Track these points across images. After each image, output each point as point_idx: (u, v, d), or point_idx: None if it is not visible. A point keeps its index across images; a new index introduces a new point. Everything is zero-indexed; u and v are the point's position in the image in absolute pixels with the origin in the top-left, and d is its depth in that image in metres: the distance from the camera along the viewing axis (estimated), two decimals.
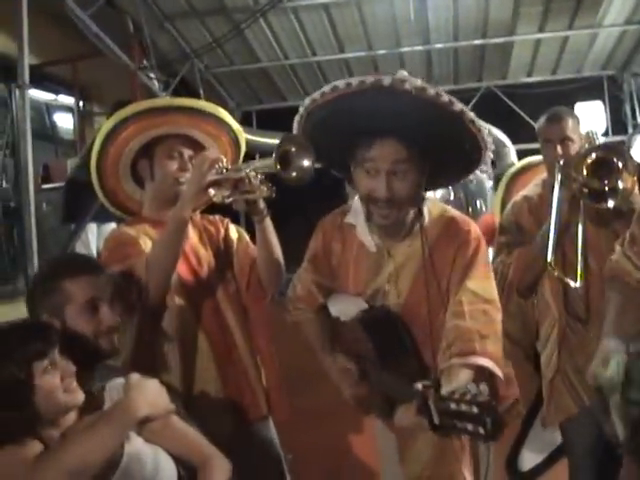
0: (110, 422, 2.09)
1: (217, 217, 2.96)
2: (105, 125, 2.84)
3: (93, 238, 7.41)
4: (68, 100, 10.72)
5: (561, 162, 3.24)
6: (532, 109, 10.16)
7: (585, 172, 3.05)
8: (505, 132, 8.22)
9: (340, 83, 2.37)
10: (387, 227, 2.59)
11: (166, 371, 2.71)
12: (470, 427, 1.83)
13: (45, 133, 10.69)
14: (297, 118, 2.61)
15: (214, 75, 11.00)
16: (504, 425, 1.81)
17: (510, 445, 3.55)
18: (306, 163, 2.50)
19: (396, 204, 2.47)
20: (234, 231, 3.00)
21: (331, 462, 3.04)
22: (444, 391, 2.05)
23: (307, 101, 2.52)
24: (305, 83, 11.73)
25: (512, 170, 4.23)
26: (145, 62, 9.58)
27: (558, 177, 3.18)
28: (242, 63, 10.77)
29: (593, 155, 3.07)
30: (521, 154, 4.65)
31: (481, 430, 1.78)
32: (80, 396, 2.13)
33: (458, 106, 2.36)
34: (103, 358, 2.38)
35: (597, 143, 3.25)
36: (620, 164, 3.00)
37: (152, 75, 9.69)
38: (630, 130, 12.01)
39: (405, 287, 2.55)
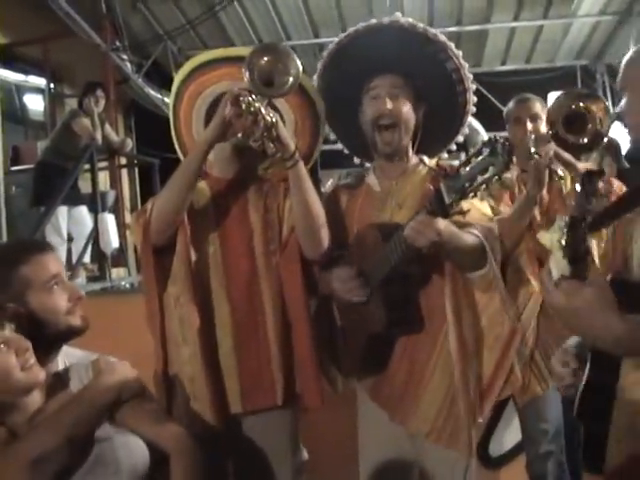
0: (80, 405, 2.06)
1: (282, 183, 2.72)
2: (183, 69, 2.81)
3: (63, 221, 7.35)
4: (39, 81, 10.59)
5: (532, 137, 3.22)
6: (506, 97, 10.08)
7: (562, 130, 3.03)
8: (478, 119, 8.23)
9: (350, 30, 2.79)
10: (391, 168, 2.78)
11: (180, 337, 2.59)
12: (480, 177, 1.99)
13: (15, 114, 10.56)
14: (318, 71, 2.89)
15: (187, 57, 10.85)
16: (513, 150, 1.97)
17: (482, 429, 3.55)
18: (293, 70, 2.41)
19: (396, 120, 2.68)
20: None
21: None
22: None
23: (324, 53, 2.86)
24: None
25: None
26: (117, 43, 9.49)
27: (531, 149, 3.15)
28: (216, 46, 10.67)
29: (562, 109, 3.05)
30: None
31: (492, 168, 1.96)
32: (40, 373, 2.05)
33: (443, 38, 2.70)
34: (76, 334, 2.30)
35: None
36: (591, 110, 2.98)
37: (124, 57, 9.61)
38: None
39: (405, 220, 2.51)
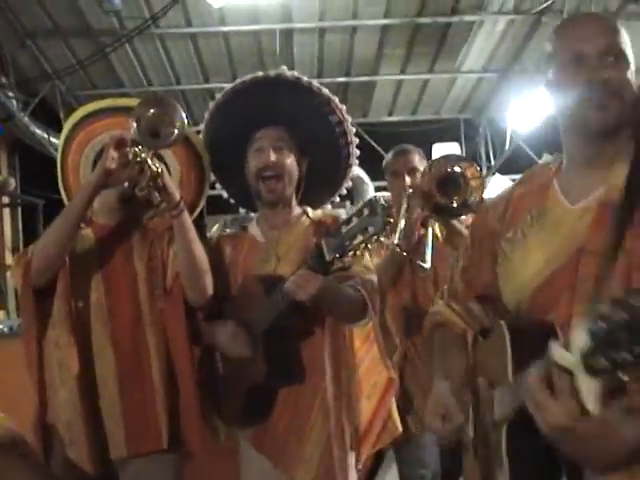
0: None
1: (167, 231, 2.73)
2: (67, 124, 2.79)
3: None
4: None
5: (409, 191, 3.28)
6: (392, 147, 10.37)
7: (433, 190, 3.11)
8: (364, 169, 8.41)
9: (237, 81, 2.85)
10: (274, 217, 2.83)
11: (57, 380, 2.57)
12: (360, 236, 2.08)
13: None
14: (205, 121, 2.94)
15: (76, 97, 10.73)
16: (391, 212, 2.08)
17: (362, 477, 3.58)
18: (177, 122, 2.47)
19: (280, 172, 2.73)
20: None
21: None
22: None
23: (211, 104, 2.90)
24: None
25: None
26: (3, 80, 9.29)
27: (404, 205, 3.21)
28: (105, 87, 10.58)
29: (438, 171, 3.13)
30: (380, 191, 4.76)
31: (371, 228, 2.05)
32: None
33: (326, 92, 2.81)
34: None
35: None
36: (464, 174, 3.09)
37: (10, 94, 9.40)
38: (484, 171, 12.52)
39: (289, 273, 2.55)
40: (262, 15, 8.87)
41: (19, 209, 11.09)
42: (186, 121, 2.48)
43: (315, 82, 2.81)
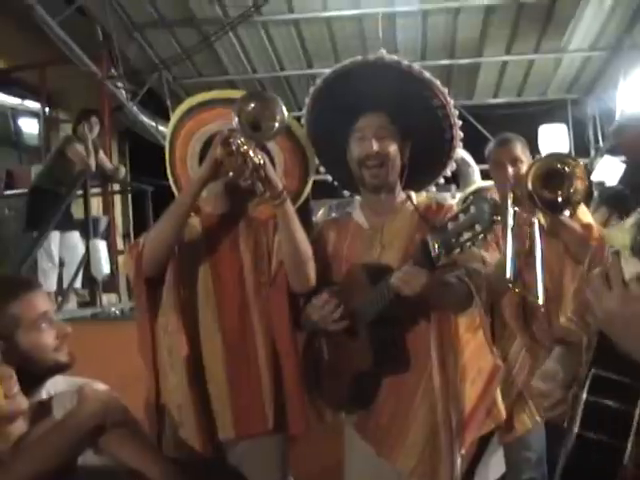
0: (64, 431, 2.06)
1: (272, 220, 2.78)
2: (176, 114, 2.86)
3: (55, 246, 7.35)
4: (34, 105, 10.63)
5: (513, 183, 3.24)
6: (497, 130, 10.08)
7: (538, 184, 3.04)
8: (469, 152, 8.30)
9: (336, 66, 2.83)
10: (378, 203, 2.81)
11: (168, 366, 2.65)
12: (466, 234, 2.08)
13: (9, 138, 10.60)
14: (306, 106, 2.93)
15: (182, 86, 10.97)
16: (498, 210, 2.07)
17: (467, 461, 3.56)
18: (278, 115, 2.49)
19: (383, 160, 2.71)
20: None
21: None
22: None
23: (311, 89, 2.89)
24: None
25: (461, 196, 4.25)
26: (113, 71, 9.55)
27: (510, 196, 3.16)
28: (210, 75, 10.77)
29: (542, 165, 3.07)
30: (485, 175, 4.70)
31: (478, 226, 2.05)
32: (23, 402, 2.06)
33: (427, 75, 2.74)
34: (63, 370, 2.31)
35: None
36: (570, 172, 3.01)
37: (120, 84, 9.66)
38: (592, 153, 12.19)
39: (393, 261, 2.59)
40: None
41: (129, 196, 11.38)
42: (286, 115, 2.50)
43: (416, 65, 2.75)
